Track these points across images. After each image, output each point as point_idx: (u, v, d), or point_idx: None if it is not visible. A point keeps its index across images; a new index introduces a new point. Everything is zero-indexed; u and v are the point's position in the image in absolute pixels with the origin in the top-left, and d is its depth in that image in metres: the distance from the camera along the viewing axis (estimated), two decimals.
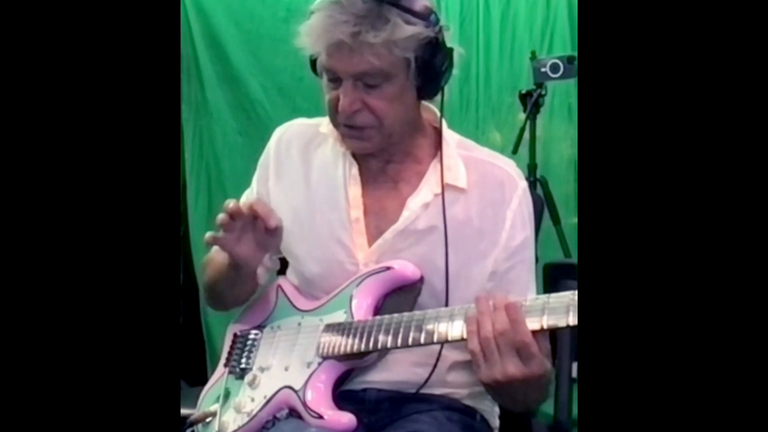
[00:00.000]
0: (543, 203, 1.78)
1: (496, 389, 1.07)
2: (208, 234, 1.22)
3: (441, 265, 1.25)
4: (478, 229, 1.28)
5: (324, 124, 1.36)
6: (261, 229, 1.22)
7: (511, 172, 1.32)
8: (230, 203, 1.20)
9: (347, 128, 1.25)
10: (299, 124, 1.41)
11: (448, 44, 1.24)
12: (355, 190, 1.31)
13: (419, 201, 1.28)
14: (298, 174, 1.35)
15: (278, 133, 1.41)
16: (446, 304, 1.22)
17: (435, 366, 1.26)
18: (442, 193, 1.27)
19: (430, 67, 1.21)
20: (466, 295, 1.24)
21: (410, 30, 1.17)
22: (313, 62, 1.25)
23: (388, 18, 1.15)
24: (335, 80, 1.22)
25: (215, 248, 1.41)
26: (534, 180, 2.63)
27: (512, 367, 1.01)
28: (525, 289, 1.28)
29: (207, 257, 1.46)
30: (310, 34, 1.19)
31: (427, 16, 1.19)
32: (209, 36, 3.06)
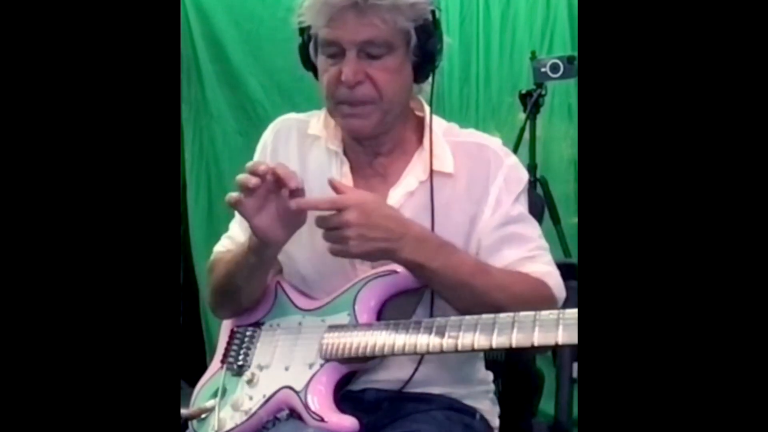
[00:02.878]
0: (543, 203, 1.78)
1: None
2: (230, 194, 1.17)
3: None
4: (464, 211, 1.27)
5: (312, 125, 1.35)
6: (284, 201, 1.18)
7: (497, 150, 1.31)
8: (255, 164, 1.16)
9: (347, 105, 1.24)
10: (293, 119, 1.40)
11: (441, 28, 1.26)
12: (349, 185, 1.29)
13: (402, 190, 1.28)
14: (295, 170, 1.34)
15: (274, 128, 1.40)
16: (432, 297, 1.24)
17: (419, 364, 1.25)
18: (431, 178, 1.26)
19: (427, 43, 1.23)
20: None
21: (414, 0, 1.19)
22: (303, 52, 1.26)
23: None
24: (335, 55, 1.22)
25: (221, 248, 1.42)
26: (534, 180, 2.63)
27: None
28: (525, 242, 1.27)
29: (212, 260, 1.42)
30: (313, 5, 1.19)
31: None
32: (209, 36, 3.07)
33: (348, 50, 1.20)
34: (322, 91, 1.27)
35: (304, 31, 1.26)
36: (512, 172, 1.30)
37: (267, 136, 1.40)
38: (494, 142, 1.34)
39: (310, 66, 1.29)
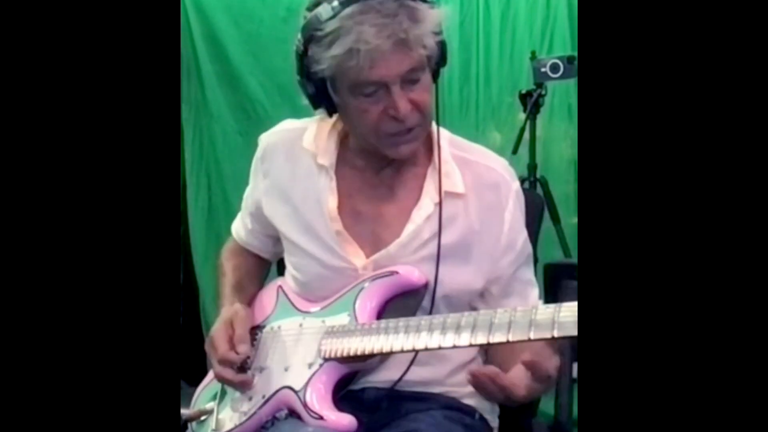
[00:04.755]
0: (543, 203, 1.77)
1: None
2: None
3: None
4: (478, 233, 1.28)
5: (305, 138, 1.34)
6: None
7: (504, 174, 1.32)
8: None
9: (399, 136, 1.22)
10: (282, 131, 1.40)
11: None
12: (333, 203, 1.29)
13: (423, 214, 1.27)
14: (287, 183, 1.34)
15: (264, 142, 1.40)
16: (431, 310, 1.24)
17: (410, 365, 1.25)
18: (440, 203, 1.26)
19: (444, 50, 1.22)
20: (465, 300, 1.27)
21: (435, 12, 1.18)
22: (319, 96, 1.22)
23: (416, 9, 1.15)
24: (375, 93, 1.17)
25: (229, 244, 1.50)
26: (534, 180, 2.63)
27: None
28: (529, 288, 1.33)
29: (219, 260, 1.51)
30: (350, 55, 1.13)
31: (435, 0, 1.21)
32: (209, 36, 3.07)
33: (392, 85, 1.16)
34: (358, 127, 1.24)
35: (314, 74, 1.19)
36: (519, 196, 1.32)
37: (258, 152, 1.40)
38: (500, 164, 1.34)
39: (326, 105, 1.24)
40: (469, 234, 1.27)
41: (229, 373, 1.27)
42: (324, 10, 1.14)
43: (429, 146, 1.31)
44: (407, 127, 1.21)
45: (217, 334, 1.30)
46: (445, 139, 1.32)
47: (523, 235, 1.32)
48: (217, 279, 1.49)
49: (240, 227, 1.49)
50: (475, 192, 1.29)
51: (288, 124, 1.40)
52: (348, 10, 1.12)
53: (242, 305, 1.36)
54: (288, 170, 1.35)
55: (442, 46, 1.21)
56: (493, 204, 1.29)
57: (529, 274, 1.34)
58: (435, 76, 1.24)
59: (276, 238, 1.42)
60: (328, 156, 1.31)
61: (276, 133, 1.40)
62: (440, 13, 1.19)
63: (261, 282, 1.49)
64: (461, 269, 1.26)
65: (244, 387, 1.28)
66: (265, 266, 1.52)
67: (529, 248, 1.35)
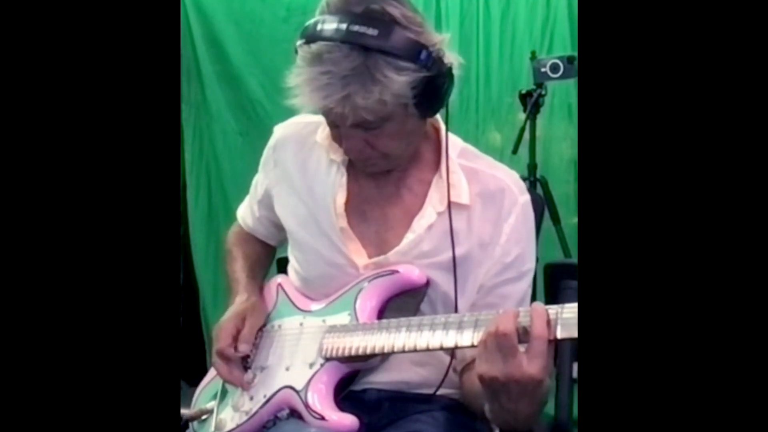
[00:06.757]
0: (543, 203, 1.77)
1: (490, 387, 1.00)
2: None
3: (445, 288, 1.25)
4: (478, 243, 1.26)
5: (320, 132, 1.34)
6: None
7: (512, 186, 1.29)
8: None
9: (359, 161, 1.24)
10: (297, 123, 1.40)
11: (447, 56, 1.15)
12: (341, 198, 1.30)
13: (424, 223, 1.26)
14: (296, 176, 1.35)
15: (277, 132, 1.41)
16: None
17: (447, 372, 1.25)
18: (449, 212, 1.24)
19: (430, 97, 1.14)
20: (464, 307, 1.25)
21: (402, 79, 1.09)
22: None
23: (375, 75, 1.08)
24: (335, 125, 1.19)
25: (233, 238, 1.52)
26: (534, 180, 2.63)
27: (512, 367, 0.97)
28: (509, 303, 1.24)
29: (226, 247, 1.52)
30: (301, 94, 1.14)
31: (417, 54, 1.10)
32: (209, 36, 3.07)
33: (341, 127, 1.16)
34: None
35: None
36: (524, 211, 1.28)
37: (271, 141, 1.40)
38: (509, 176, 1.31)
39: None
40: (471, 249, 1.25)
41: (223, 368, 1.29)
42: (308, 28, 1.13)
43: (437, 153, 1.30)
44: (363, 160, 1.22)
45: (226, 324, 1.31)
46: (456, 148, 1.31)
47: (520, 250, 1.26)
48: (225, 263, 1.50)
49: (247, 214, 1.50)
50: (480, 202, 1.27)
51: (303, 118, 1.40)
52: (313, 48, 1.10)
53: (260, 300, 1.37)
54: (298, 163, 1.35)
55: (425, 92, 1.12)
56: (494, 215, 1.26)
57: (514, 290, 1.26)
58: (425, 113, 1.18)
59: (282, 227, 1.42)
60: (341, 152, 1.31)
61: (291, 125, 1.40)
62: (409, 79, 1.09)
63: (268, 269, 1.52)
64: (462, 282, 1.25)
65: (234, 384, 1.30)
66: (272, 253, 1.54)
67: (527, 266, 1.28)
